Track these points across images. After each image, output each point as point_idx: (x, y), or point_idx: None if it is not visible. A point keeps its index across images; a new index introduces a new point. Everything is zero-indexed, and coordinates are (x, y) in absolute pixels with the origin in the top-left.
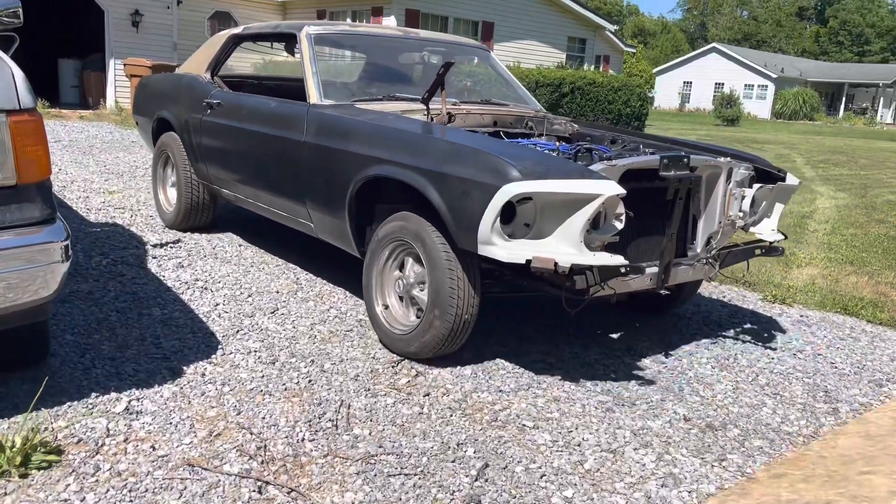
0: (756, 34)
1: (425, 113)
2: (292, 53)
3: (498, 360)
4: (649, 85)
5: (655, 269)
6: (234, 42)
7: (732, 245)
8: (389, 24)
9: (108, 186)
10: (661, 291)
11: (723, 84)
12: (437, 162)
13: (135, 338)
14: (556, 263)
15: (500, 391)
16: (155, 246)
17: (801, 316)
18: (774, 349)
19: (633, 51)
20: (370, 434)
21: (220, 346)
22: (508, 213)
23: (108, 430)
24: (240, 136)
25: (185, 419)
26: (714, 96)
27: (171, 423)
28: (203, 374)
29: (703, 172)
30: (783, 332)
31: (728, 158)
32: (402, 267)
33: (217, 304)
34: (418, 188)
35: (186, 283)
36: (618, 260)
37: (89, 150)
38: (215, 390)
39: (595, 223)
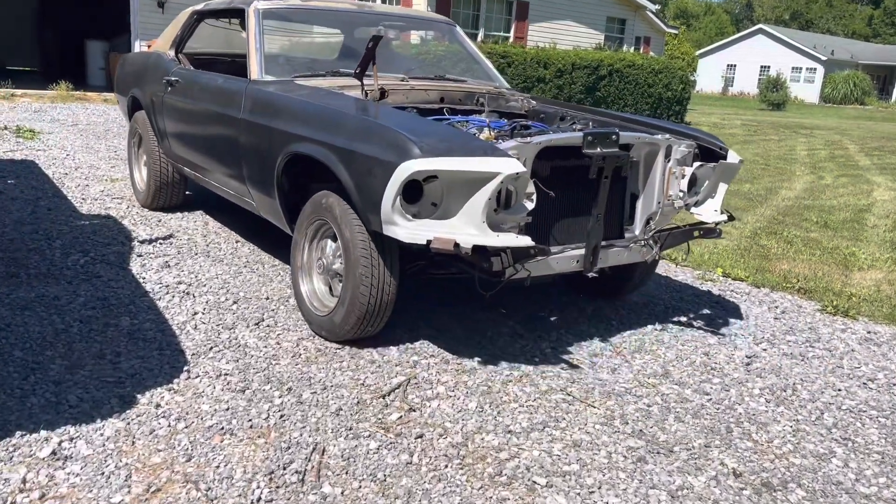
0: (805, 14)
1: (361, 88)
2: (243, 27)
3: (510, 388)
4: (692, 68)
5: (582, 252)
6: (197, 18)
7: (673, 227)
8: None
9: (112, 174)
10: (590, 274)
11: (768, 67)
12: (346, 139)
13: (92, 355)
14: (456, 244)
15: (510, 432)
16: (143, 242)
17: (869, 333)
18: (841, 378)
19: (676, 32)
20: (342, 494)
21: (186, 368)
22: (415, 193)
23: (23, 482)
24: (192, 113)
25: (121, 468)
26: (759, 80)
27: (102, 474)
28: (158, 405)
29: (639, 150)
30: (849, 354)
31: (667, 135)
32: (325, 246)
33: (196, 313)
34: (329, 166)
35: (167, 286)
36: (524, 241)
37: (104, 135)
38: (167, 427)
39: (507, 203)
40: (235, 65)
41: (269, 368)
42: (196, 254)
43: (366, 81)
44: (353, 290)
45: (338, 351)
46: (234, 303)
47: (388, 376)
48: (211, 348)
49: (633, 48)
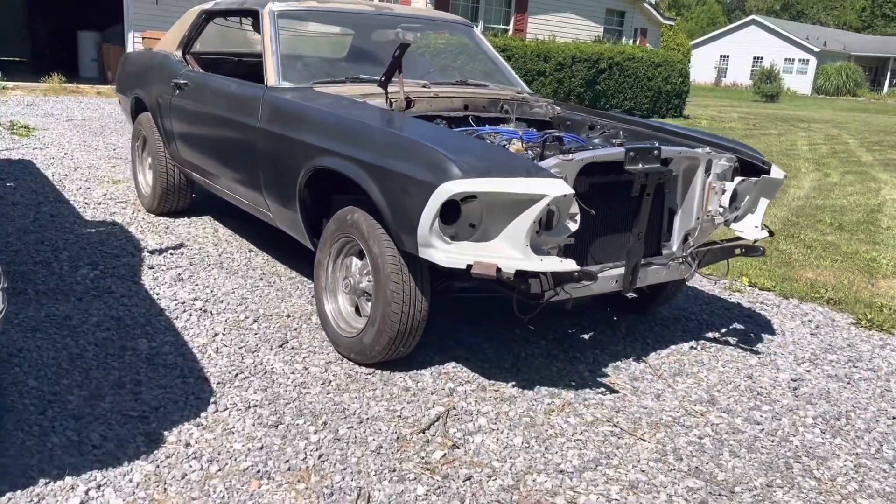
0: (795, 4)
1: (385, 97)
2: (258, 31)
3: (554, 419)
4: (686, 59)
5: (622, 271)
6: (206, 18)
7: (711, 243)
8: None
9: (113, 175)
10: (629, 295)
11: (761, 58)
12: (377, 154)
13: (111, 384)
14: (498, 269)
15: (562, 472)
16: (154, 252)
17: None
18: (892, 403)
19: (673, 24)
20: None
21: (212, 399)
22: (453, 213)
23: None
24: (204, 119)
25: None
26: (752, 71)
27: None
28: (187, 444)
29: (679, 165)
30: (895, 375)
31: (708, 149)
32: (351, 264)
33: (216, 335)
34: (359, 183)
35: (183, 303)
36: (568, 265)
37: (101, 131)
38: (200, 471)
39: (548, 223)
40: (243, 65)
41: (300, 399)
42: (209, 265)
43: (390, 89)
44: (383, 310)
45: (369, 377)
46: (255, 321)
47: (425, 406)
48: (236, 375)
49: (632, 41)
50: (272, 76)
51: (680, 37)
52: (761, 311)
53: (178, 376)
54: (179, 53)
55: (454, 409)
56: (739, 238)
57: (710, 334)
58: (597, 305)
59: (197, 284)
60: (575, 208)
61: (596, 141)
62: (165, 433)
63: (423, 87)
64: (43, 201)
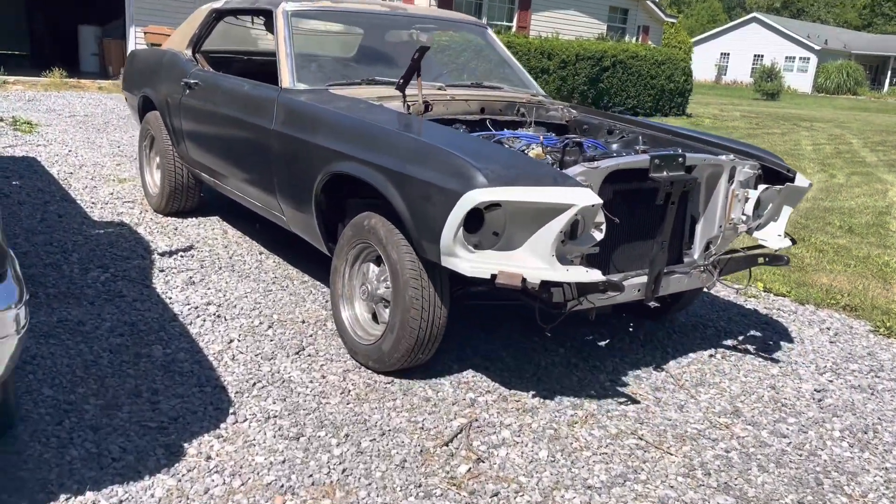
0: (796, 2)
1: (403, 100)
2: (271, 31)
3: (578, 432)
4: (689, 57)
5: (644, 280)
6: (216, 17)
7: (733, 251)
8: None
9: (118, 173)
10: (651, 304)
11: (762, 56)
12: (398, 161)
13: (128, 392)
14: (524, 279)
15: (590, 487)
16: (164, 254)
17: None
18: None
19: (675, 21)
20: None
21: (231, 409)
22: (476, 221)
23: None
24: (215, 119)
25: None
26: (753, 69)
27: None
28: (209, 458)
29: (702, 172)
30: None
31: (732, 156)
32: (368, 271)
33: (231, 341)
34: (380, 189)
35: (196, 307)
36: (594, 276)
37: (104, 128)
38: (223, 486)
39: (573, 232)
40: (253, 64)
41: (321, 409)
42: (220, 268)
43: (408, 93)
44: (402, 317)
45: (388, 387)
46: (270, 327)
47: (447, 418)
48: (254, 384)
49: (635, 38)
50: (287, 77)
51: (681, 34)
52: (778, 318)
53: (195, 385)
54: (189, 52)
55: (476, 420)
56: (762, 247)
57: (728, 342)
58: (613, 312)
59: (209, 288)
60: (601, 217)
61: (615, 146)
62: (185, 445)
63: (439, 89)
64: (49, 200)
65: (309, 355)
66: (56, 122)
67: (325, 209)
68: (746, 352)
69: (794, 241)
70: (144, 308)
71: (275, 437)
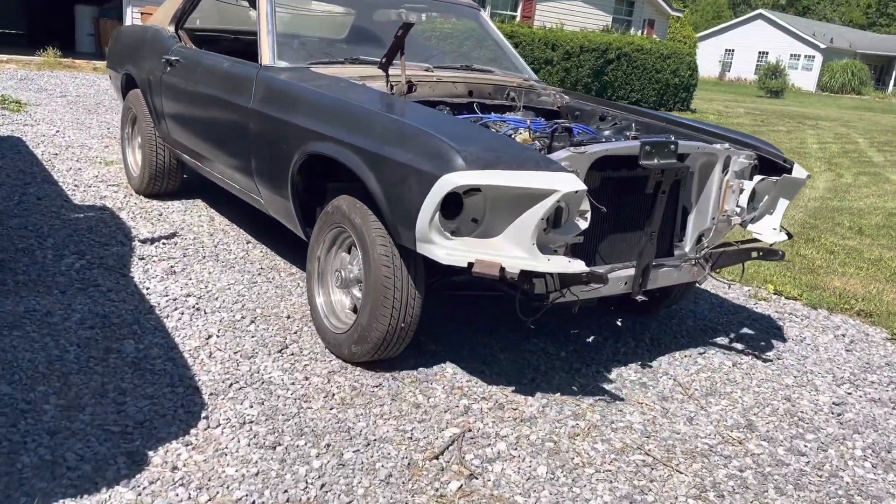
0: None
1: (386, 80)
2: (253, 6)
3: (580, 445)
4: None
5: (632, 272)
6: None
7: (726, 244)
8: None
9: (105, 155)
10: (638, 298)
11: (767, 53)
12: (377, 142)
13: (92, 391)
14: (502, 268)
15: None
16: (145, 241)
17: None
18: None
19: (681, 15)
20: None
21: (204, 413)
22: (455, 206)
23: None
24: (195, 98)
25: None
26: (757, 66)
27: None
28: (174, 468)
29: (695, 161)
30: None
31: (727, 145)
32: (346, 256)
33: (209, 336)
34: (356, 171)
35: (175, 299)
36: (577, 266)
37: (95, 109)
38: (188, 500)
39: (556, 220)
40: (239, 43)
41: (301, 415)
42: (204, 257)
43: (392, 72)
44: (373, 306)
45: (375, 391)
46: (252, 322)
47: (438, 427)
48: (231, 385)
49: (640, 31)
50: (267, 55)
51: (686, 29)
52: (791, 324)
53: (166, 385)
54: (172, 28)
55: (470, 430)
56: (756, 240)
57: (739, 347)
58: (607, 307)
59: (190, 279)
60: (586, 205)
61: (607, 133)
62: (150, 453)
63: (426, 70)
64: (30, 182)
65: (292, 354)
66: (46, 101)
67: (302, 192)
68: (759, 359)
69: (790, 236)
70: (119, 299)
71: (249, 445)
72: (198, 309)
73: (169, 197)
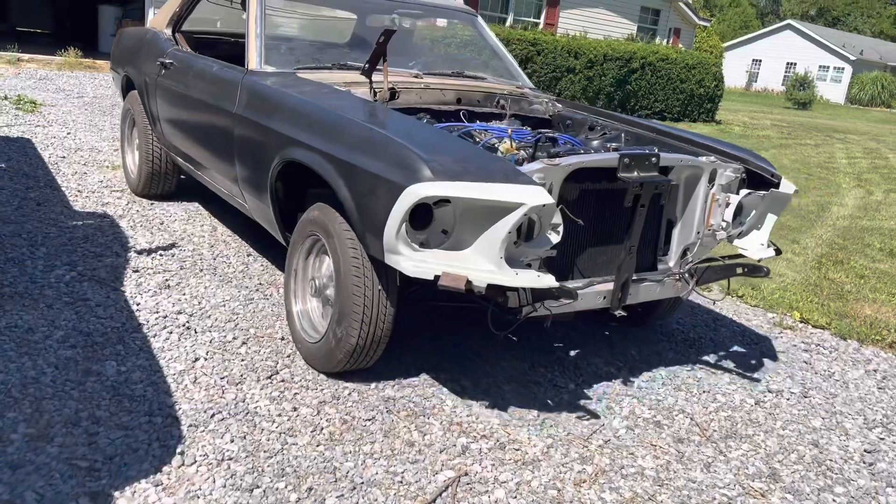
0: (831, 10)
1: (370, 86)
2: (244, 8)
3: (586, 495)
4: (720, 62)
5: (611, 287)
6: None
7: (711, 259)
8: None
9: (114, 159)
10: (617, 313)
11: (795, 64)
12: (347, 150)
13: (64, 420)
14: (468, 282)
15: None
16: (141, 252)
17: None
18: None
19: (708, 24)
20: None
21: (180, 447)
22: (425, 217)
23: None
24: (186, 102)
25: None
26: (785, 77)
27: None
28: None
29: (680, 173)
30: None
31: (713, 157)
32: (321, 264)
33: (197, 359)
34: (327, 179)
35: (166, 316)
36: (546, 281)
37: (110, 110)
38: None
39: (529, 234)
40: (238, 47)
41: (285, 452)
42: (201, 270)
43: (375, 78)
44: (344, 315)
45: (367, 424)
46: (244, 343)
47: (432, 469)
48: (213, 415)
49: (666, 41)
50: (254, 59)
51: (713, 39)
52: (818, 356)
53: (144, 413)
54: (169, 31)
55: (466, 474)
56: (742, 256)
57: (762, 382)
58: (598, 319)
59: (184, 294)
60: (558, 218)
61: (595, 143)
62: (116, 494)
63: (415, 77)
64: (32, 186)
65: (283, 381)
66: (62, 102)
67: (283, 198)
68: (782, 396)
69: (778, 252)
70: (106, 315)
71: (224, 486)
72: (188, 328)
73: (166, 199)
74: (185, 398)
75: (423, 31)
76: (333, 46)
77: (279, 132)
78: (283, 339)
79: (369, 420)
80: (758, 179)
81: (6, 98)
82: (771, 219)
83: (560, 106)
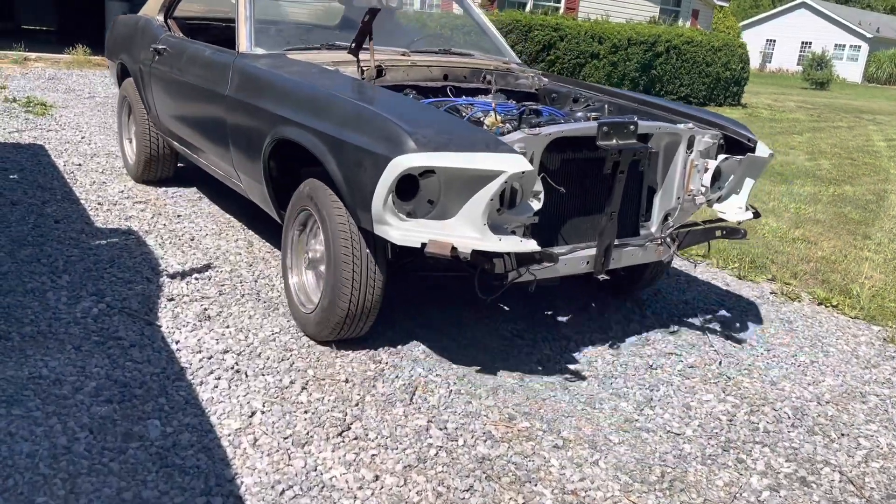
0: None
1: (357, 65)
2: None
3: None
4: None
5: (594, 252)
6: None
7: (692, 224)
8: None
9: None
10: (600, 277)
11: (810, 43)
12: (336, 126)
13: (104, 502)
14: (453, 248)
15: None
16: (175, 276)
17: None
18: None
19: (726, 5)
20: None
21: None
22: (411, 188)
23: None
24: (179, 87)
25: None
26: (800, 56)
27: None
28: None
29: (659, 141)
30: None
31: (690, 124)
32: (314, 238)
33: (254, 413)
34: (317, 155)
35: (211, 357)
36: (528, 245)
37: None
38: None
39: (512, 202)
40: (230, 30)
41: None
42: (242, 295)
43: (362, 57)
44: (334, 287)
45: (466, 497)
46: (303, 389)
47: None
48: (282, 491)
49: (688, 23)
50: (244, 42)
51: (730, 19)
52: None
53: (200, 492)
54: (161, 18)
55: None
56: (722, 220)
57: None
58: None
59: (228, 326)
60: (539, 186)
61: (578, 114)
62: None
63: (403, 55)
64: (48, 200)
65: (355, 438)
66: (73, 103)
67: (277, 177)
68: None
69: (757, 214)
70: (143, 358)
71: None
72: (237, 371)
73: (164, 184)
74: (247, 468)
75: (413, 11)
76: (323, 28)
77: (270, 112)
78: (346, 380)
79: (467, 490)
80: (736, 145)
81: (15, 100)
82: (749, 183)
83: (546, 80)
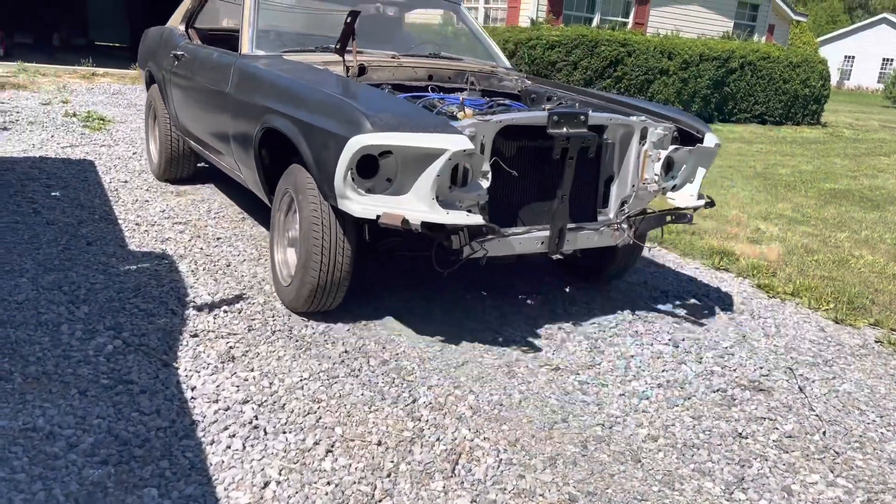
0: None
1: (343, 64)
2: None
3: None
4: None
5: (548, 234)
6: None
7: (646, 211)
8: None
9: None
10: (555, 257)
11: (892, 60)
12: (308, 113)
13: None
14: (405, 220)
15: None
16: (203, 308)
17: None
18: None
19: (804, 20)
20: None
21: None
22: (371, 167)
23: None
24: (192, 88)
25: None
26: (881, 74)
27: None
28: None
29: (615, 132)
30: None
31: (643, 117)
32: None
33: (268, 483)
34: (292, 139)
35: (227, 409)
36: (474, 219)
37: None
38: None
39: (465, 181)
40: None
41: None
42: (273, 332)
43: (348, 57)
44: (304, 261)
45: None
46: (329, 453)
47: None
48: None
49: (763, 38)
50: (246, 45)
51: (807, 34)
52: None
53: None
54: (183, 27)
55: None
56: (675, 208)
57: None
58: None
59: (251, 370)
60: (486, 167)
61: (539, 108)
62: None
63: (392, 57)
64: (85, 220)
65: None
66: (132, 118)
67: (268, 166)
68: None
69: (711, 203)
70: (152, 408)
71: None
72: (256, 427)
73: (184, 182)
74: None
75: (409, 18)
76: (321, 34)
77: (260, 104)
78: (379, 443)
79: None
80: (688, 137)
81: (75, 115)
82: (700, 172)
83: (529, 82)
